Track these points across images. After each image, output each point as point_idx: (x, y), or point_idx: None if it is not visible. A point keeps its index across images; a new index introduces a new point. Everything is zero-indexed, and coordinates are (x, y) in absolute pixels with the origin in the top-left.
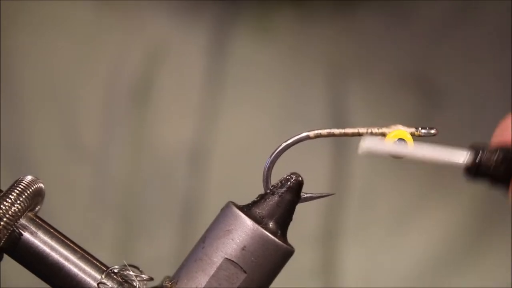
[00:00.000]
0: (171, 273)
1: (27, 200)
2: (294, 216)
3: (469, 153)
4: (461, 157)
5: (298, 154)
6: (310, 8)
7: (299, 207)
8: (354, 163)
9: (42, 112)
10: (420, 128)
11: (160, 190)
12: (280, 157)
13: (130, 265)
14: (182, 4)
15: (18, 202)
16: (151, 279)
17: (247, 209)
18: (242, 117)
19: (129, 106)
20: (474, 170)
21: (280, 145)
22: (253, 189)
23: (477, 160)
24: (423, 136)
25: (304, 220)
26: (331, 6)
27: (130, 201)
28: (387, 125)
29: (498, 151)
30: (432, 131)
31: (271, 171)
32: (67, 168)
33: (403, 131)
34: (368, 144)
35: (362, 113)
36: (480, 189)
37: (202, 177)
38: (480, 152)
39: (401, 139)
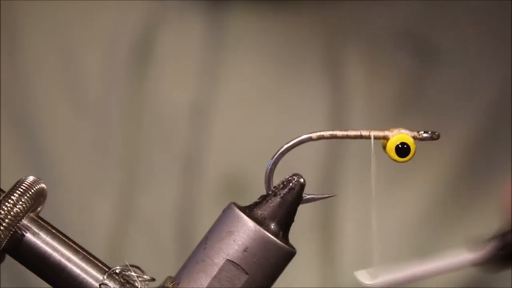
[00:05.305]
0: (170, 227)
1: (29, 200)
2: None
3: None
4: (466, 254)
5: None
6: None
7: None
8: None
9: (44, 69)
10: (422, 132)
11: (161, 146)
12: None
13: (132, 266)
14: None
15: (20, 203)
16: (152, 279)
17: (249, 210)
18: (241, 77)
19: (130, 65)
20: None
21: (282, 147)
22: (251, 148)
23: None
24: (425, 139)
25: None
26: None
27: (132, 156)
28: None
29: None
30: (434, 135)
31: (273, 173)
32: (69, 123)
33: (405, 135)
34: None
35: (359, 74)
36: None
37: (203, 135)
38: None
39: (403, 143)
